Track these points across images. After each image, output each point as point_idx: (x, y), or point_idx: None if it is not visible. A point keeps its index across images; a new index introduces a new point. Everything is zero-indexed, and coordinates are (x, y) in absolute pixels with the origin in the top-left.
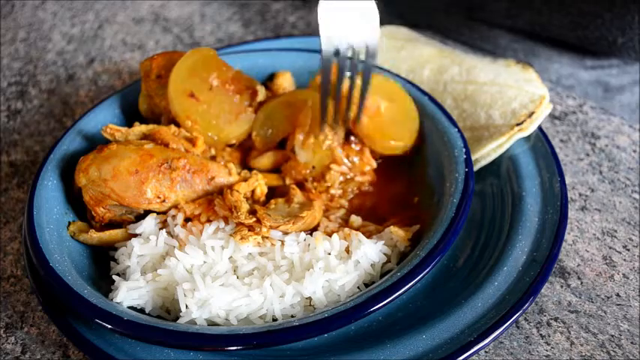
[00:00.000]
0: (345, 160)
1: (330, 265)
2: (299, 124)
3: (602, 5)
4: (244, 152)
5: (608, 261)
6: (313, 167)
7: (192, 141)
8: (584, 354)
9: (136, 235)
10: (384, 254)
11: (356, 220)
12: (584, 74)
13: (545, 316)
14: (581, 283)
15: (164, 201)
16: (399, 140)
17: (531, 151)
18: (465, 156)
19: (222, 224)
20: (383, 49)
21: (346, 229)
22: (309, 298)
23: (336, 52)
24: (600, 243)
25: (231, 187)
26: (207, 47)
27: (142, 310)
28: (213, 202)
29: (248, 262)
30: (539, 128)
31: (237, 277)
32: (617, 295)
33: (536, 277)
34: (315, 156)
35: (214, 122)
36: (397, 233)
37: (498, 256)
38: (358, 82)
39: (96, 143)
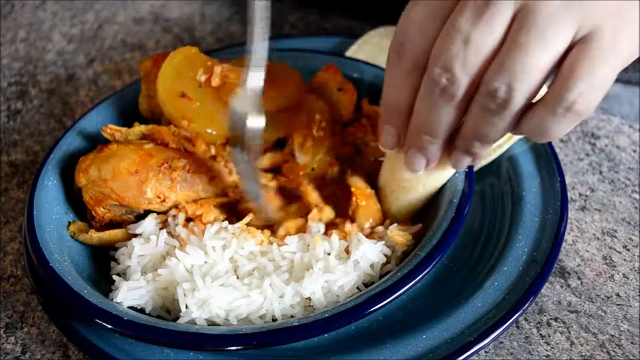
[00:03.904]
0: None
1: (329, 265)
2: (297, 127)
3: None
4: None
5: (608, 261)
6: (312, 169)
7: (191, 141)
8: (584, 354)
9: (136, 235)
10: (384, 254)
11: None
12: None
13: (545, 316)
14: (581, 283)
15: (164, 201)
16: None
17: (531, 151)
18: None
19: (224, 224)
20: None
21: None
22: (309, 299)
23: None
24: (600, 243)
25: (232, 186)
26: (188, 46)
27: (142, 310)
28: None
29: (249, 262)
30: None
31: (237, 278)
32: (617, 295)
33: (536, 277)
34: (314, 158)
35: (210, 118)
36: (397, 234)
37: (498, 256)
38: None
39: (96, 143)
